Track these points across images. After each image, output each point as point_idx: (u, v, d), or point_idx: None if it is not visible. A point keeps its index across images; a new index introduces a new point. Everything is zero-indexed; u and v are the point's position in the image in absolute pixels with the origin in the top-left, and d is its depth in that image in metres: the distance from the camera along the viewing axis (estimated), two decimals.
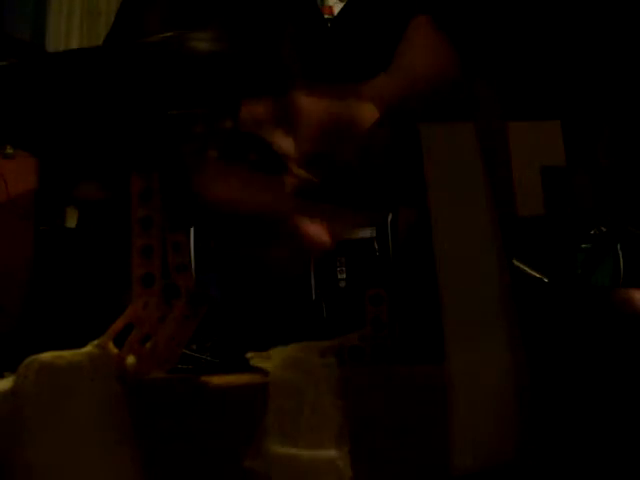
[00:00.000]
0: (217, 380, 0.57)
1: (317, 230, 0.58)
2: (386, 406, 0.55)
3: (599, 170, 0.63)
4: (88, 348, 0.56)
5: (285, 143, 0.62)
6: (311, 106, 0.62)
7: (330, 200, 0.65)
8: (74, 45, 2.78)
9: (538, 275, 0.72)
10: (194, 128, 0.63)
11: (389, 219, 0.78)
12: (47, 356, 0.55)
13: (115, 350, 0.56)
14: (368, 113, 0.64)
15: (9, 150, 1.87)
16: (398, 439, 0.55)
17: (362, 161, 0.65)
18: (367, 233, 0.84)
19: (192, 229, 0.75)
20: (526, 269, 0.72)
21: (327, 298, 0.86)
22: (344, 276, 0.87)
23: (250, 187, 0.61)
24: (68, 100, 0.73)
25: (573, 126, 0.62)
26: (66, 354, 0.55)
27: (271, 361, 0.56)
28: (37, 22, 2.78)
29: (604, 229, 0.77)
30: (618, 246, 0.77)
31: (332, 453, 0.53)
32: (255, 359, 0.56)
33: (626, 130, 0.67)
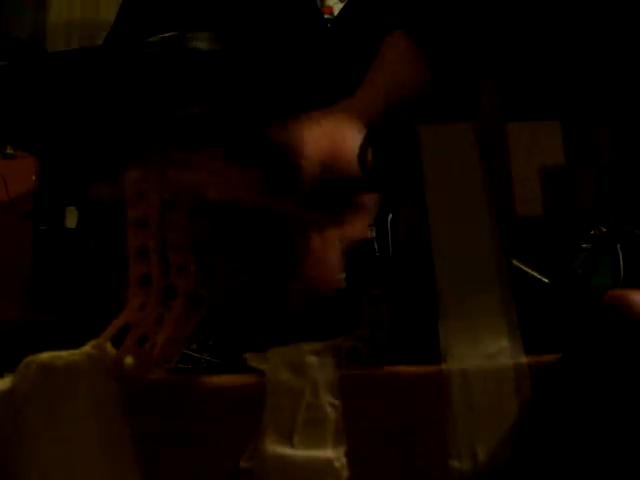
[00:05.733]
0: (217, 380, 0.57)
1: (325, 272, 0.59)
2: (383, 407, 0.55)
3: (599, 170, 0.63)
4: (86, 348, 0.56)
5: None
6: (310, 145, 0.63)
7: (331, 201, 0.65)
8: (74, 45, 2.78)
9: (538, 275, 0.72)
10: (195, 127, 0.63)
11: (389, 219, 0.78)
12: (45, 356, 0.55)
13: (113, 350, 0.56)
14: (355, 137, 0.65)
15: (9, 150, 1.87)
16: (395, 440, 0.55)
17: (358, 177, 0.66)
18: (367, 233, 0.84)
19: None
20: (526, 269, 0.72)
21: (327, 298, 0.86)
22: (344, 276, 0.87)
23: (249, 186, 0.61)
24: (68, 100, 0.73)
25: (573, 126, 0.62)
26: (64, 354, 0.55)
27: (268, 362, 0.55)
28: (37, 22, 2.78)
29: (604, 229, 0.77)
30: (618, 246, 0.77)
31: (329, 454, 0.53)
32: (252, 360, 0.56)
33: (626, 130, 0.67)
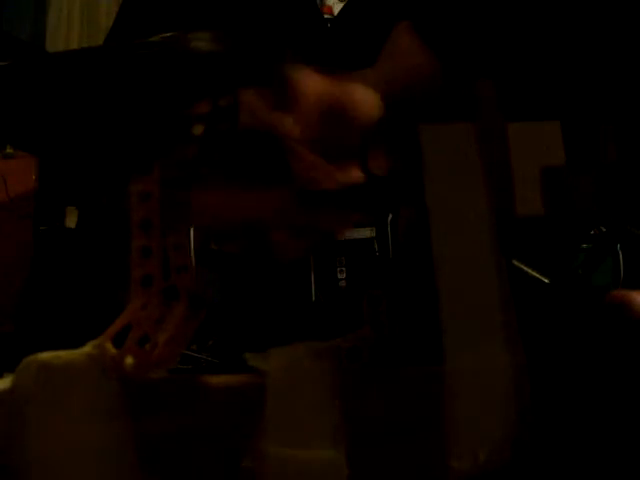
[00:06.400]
0: (217, 380, 0.57)
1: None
2: (384, 407, 0.55)
3: (599, 170, 0.63)
4: (86, 348, 0.56)
5: (285, 124, 0.60)
6: (309, 88, 0.61)
7: (331, 201, 0.65)
8: (74, 45, 2.78)
9: (538, 275, 0.72)
10: (194, 130, 0.63)
11: (389, 219, 0.78)
12: (45, 356, 0.55)
13: (113, 350, 0.56)
14: (367, 97, 0.63)
15: (9, 150, 1.87)
16: (396, 441, 0.55)
17: (365, 146, 0.64)
18: (367, 233, 0.84)
19: (192, 230, 0.75)
20: (526, 269, 0.72)
21: (327, 298, 0.86)
22: (344, 276, 0.87)
23: (242, 199, 0.61)
24: (68, 100, 0.73)
25: (573, 126, 0.62)
26: (64, 354, 0.55)
27: (269, 362, 0.55)
28: (37, 22, 2.79)
29: (604, 229, 0.77)
30: (618, 246, 0.77)
31: (329, 453, 0.53)
32: (252, 360, 0.56)
33: (627, 130, 0.67)
